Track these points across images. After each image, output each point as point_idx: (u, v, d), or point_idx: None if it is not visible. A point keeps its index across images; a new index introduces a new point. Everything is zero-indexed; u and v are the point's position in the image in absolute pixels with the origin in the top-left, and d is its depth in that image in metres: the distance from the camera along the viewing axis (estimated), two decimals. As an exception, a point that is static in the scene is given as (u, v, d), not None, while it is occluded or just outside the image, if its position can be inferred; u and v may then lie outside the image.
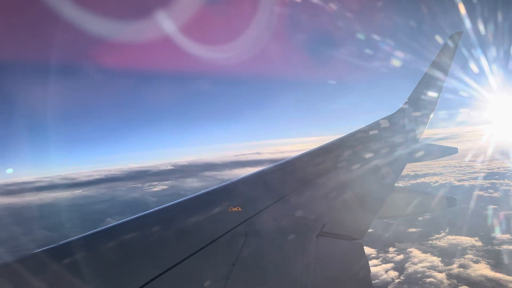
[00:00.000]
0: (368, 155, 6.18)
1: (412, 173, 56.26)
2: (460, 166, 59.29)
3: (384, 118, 8.47)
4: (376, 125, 8.10)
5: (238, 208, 3.57)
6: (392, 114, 8.55)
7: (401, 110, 8.52)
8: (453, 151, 7.07)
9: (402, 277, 23.29)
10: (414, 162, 6.32)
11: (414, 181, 51.62)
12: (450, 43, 8.12)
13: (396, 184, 4.91)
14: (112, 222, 3.47)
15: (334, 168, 5.39)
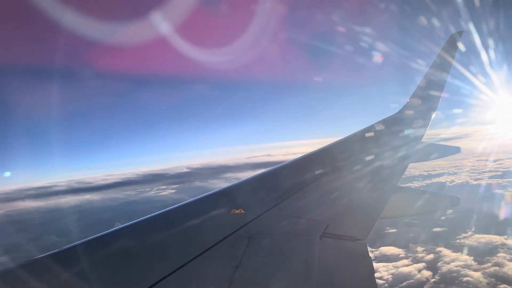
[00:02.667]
0: (371, 156, 6.14)
1: (425, 173, 55.99)
2: (473, 166, 58.97)
3: (386, 118, 8.48)
4: (378, 125, 8.07)
5: (240, 211, 3.55)
6: (394, 114, 8.56)
7: (403, 110, 8.55)
8: (455, 150, 7.04)
9: (437, 277, 22.93)
10: (417, 162, 6.29)
11: (429, 181, 51.30)
12: (451, 42, 8.13)
13: (399, 184, 4.86)
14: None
15: (337, 169, 5.34)
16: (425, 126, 7.58)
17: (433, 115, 7.89)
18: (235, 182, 4.87)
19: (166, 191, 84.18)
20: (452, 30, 8.56)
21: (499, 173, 50.45)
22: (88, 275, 2.44)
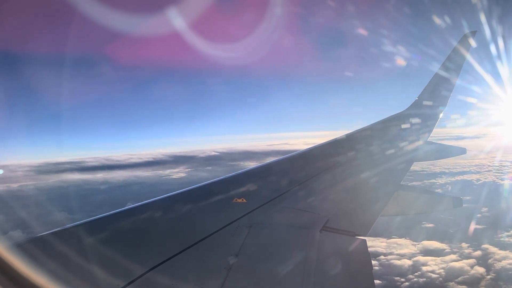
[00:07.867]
0: (376, 152, 6.09)
1: (447, 171, 55.61)
2: (495, 166, 58.60)
3: (393, 116, 8.39)
4: (385, 122, 8.02)
5: (242, 200, 3.58)
6: (402, 111, 8.46)
7: (411, 108, 8.45)
8: (461, 151, 6.98)
9: (492, 274, 22.50)
10: (421, 161, 6.25)
11: (453, 178, 50.83)
12: (463, 42, 8.02)
13: (402, 182, 4.83)
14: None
15: (340, 164, 5.31)
16: (432, 124, 7.54)
17: (441, 114, 7.82)
18: (238, 171, 4.86)
19: (178, 174, 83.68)
20: (466, 30, 8.45)
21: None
22: (82, 257, 2.37)
